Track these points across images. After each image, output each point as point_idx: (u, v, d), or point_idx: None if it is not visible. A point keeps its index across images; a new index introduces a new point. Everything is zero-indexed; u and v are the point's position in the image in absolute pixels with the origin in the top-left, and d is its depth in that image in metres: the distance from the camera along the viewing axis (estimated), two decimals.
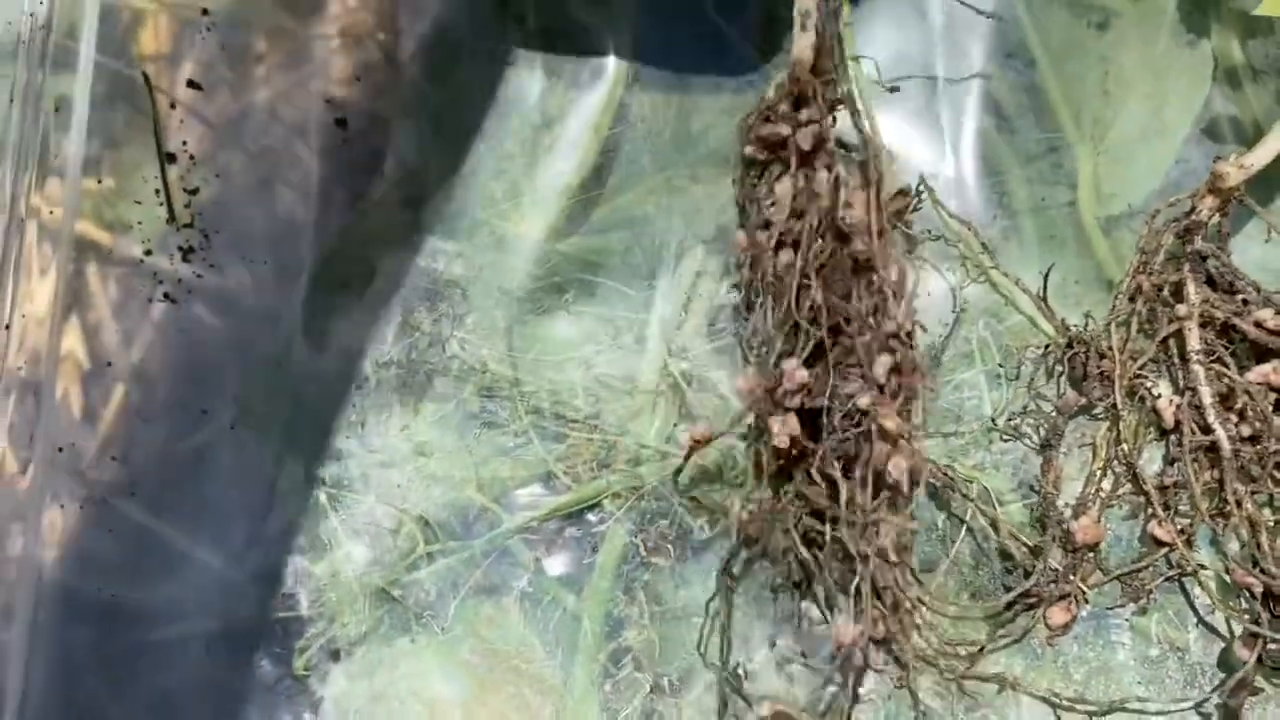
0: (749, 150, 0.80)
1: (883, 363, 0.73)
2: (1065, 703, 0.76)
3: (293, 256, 0.86)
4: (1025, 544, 0.77)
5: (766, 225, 0.79)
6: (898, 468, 0.70)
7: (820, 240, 0.76)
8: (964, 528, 0.78)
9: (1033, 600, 0.76)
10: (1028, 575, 0.76)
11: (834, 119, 0.79)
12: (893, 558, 0.72)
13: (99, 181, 0.85)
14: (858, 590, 0.72)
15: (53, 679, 0.79)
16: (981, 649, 0.75)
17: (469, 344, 0.84)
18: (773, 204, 0.78)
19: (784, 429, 0.73)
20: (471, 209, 0.87)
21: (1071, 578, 0.75)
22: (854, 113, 0.78)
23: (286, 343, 0.85)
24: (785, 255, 0.77)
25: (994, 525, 0.77)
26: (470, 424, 0.83)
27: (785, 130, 0.77)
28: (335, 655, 0.81)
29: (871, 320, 0.74)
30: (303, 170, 0.88)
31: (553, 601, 0.80)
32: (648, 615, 0.80)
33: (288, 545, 0.82)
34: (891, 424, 0.71)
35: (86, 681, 0.80)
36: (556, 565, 0.81)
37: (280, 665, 0.81)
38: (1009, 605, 0.76)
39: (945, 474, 0.78)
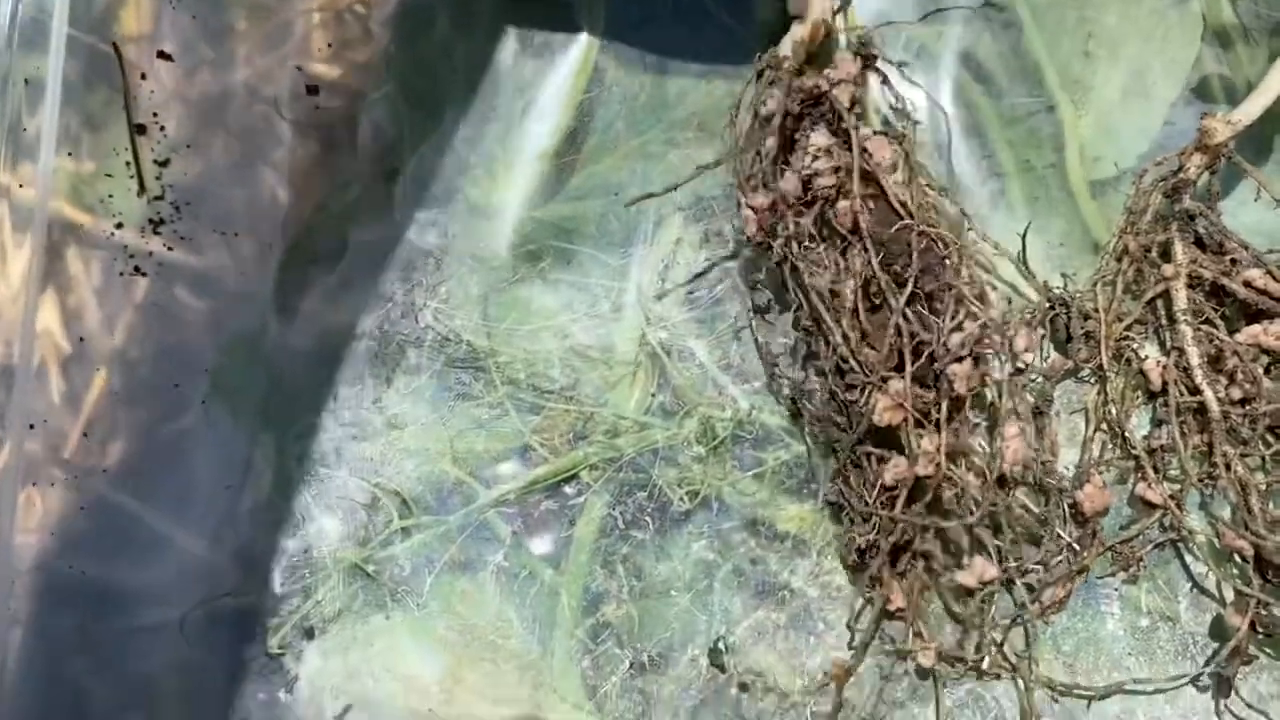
0: (786, 104, 0.77)
1: (969, 329, 0.72)
2: (1062, 687, 0.74)
3: (265, 228, 0.85)
4: (1034, 514, 0.75)
5: (805, 183, 0.77)
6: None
7: (867, 191, 0.75)
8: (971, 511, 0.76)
9: (1037, 574, 0.74)
10: (1037, 545, 0.74)
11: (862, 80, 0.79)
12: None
13: (74, 161, 0.84)
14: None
15: (32, 659, 0.78)
16: (1005, 634, 0.73)
17: (442, 314, 0.83)
18: (815, 157, 0.76)
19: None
20: (445, 177, 0.85)
21: (1086, 550, 0.73)
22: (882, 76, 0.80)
23: (259, 316, 0.84)
24: (842, 204, 0.76)
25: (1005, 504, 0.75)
26: (444, 396, 0.82)
27: (824, 84, 0.76)
28: (310, 633, 0.79)
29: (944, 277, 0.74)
30: (276, 141, 0.87)
31: (530, 576, 0.79)
32: (626, 589, 0.78)
33: (261, 521, 0.81)
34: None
35: (64, 660, 0.79)
36: (533, 539, 0.80)
37: (254, 643, 0.80)
38: (1009, 583, 0.74)
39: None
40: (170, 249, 0.85)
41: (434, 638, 0.78)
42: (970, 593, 0.73)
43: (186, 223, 0.85)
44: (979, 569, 0.72)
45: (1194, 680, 0.74)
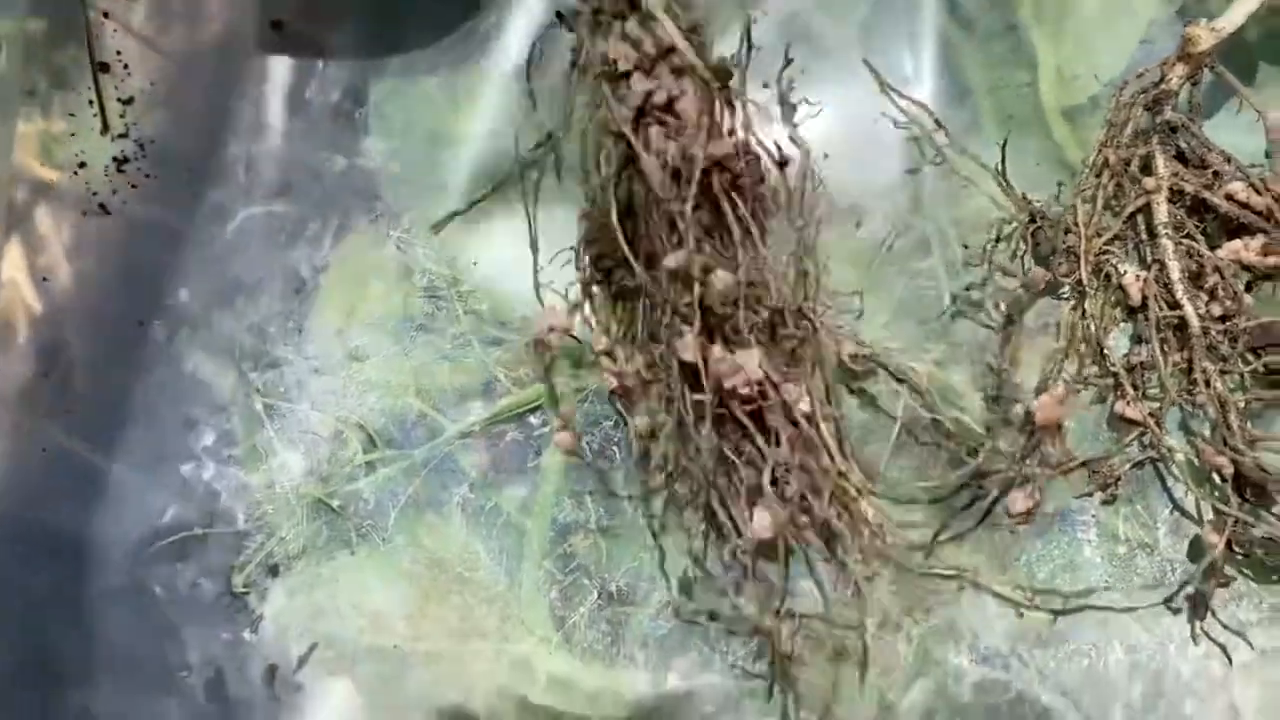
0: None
1: (722, 278, 0.70)
2: (1026, 596, 0.72)
3: (229, 160, 0.84)
4: (974, 426, 0.73)
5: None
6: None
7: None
8: (899, 417, 0.74)
9: (986, 486, 0.73)
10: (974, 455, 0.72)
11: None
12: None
13: (43, 119, 0.84)
14: (774, 480, 0.69)
15: None
16: (935, 535, 0.71)
17: (405, 244, 0.81)
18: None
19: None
20: (408, 106, 0.83)
21: (1028, 460, 0.71)
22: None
23: (223, 250, 0.83)
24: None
25: (932, 410, 0.74)
26: (406, 328, 0.80)
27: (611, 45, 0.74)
28: (274, 570, 0.78)
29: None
30: (242, 78, 0.86)
31: (496, 508, 0.77)
32: (593, 520, 0.76)
33: (223, 457, 0.80)
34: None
35: (31, 611, 0.78)
36: (499, 471, 0.78)
37: (218, 582, 0.78)
38: (959, 490, 0.73)
39: (873, 360, 0.74)
40: (135, 186, 0.84)
41: (399, 572, 0.77)
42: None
43: (151, 160, 0.84)
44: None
45: (1167, 602, 0.72)
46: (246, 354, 0.81)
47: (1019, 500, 0.72)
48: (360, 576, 0.77)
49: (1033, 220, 0.76)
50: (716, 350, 0.70)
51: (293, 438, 0.79)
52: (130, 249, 0.83)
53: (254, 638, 0.77)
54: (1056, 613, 0.72)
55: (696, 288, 0.69)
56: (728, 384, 0.69)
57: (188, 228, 0.83)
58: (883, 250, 0.79)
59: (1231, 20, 0.74)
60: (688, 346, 0.69)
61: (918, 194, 0.79)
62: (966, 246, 0.78)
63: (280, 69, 0.85)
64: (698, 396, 0.70)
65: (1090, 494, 0.74)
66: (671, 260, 0.69)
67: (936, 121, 0.79)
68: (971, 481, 0.72)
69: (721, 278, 0.69)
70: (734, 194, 0.71)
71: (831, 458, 0.70)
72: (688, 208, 0.69)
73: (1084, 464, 0.73)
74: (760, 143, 0.75)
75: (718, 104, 0.73)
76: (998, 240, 0.77)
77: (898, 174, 0.80)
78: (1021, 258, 0.77)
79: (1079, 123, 0.80)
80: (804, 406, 0.70)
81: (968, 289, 0.77)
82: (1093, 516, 0.74)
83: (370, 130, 0.83)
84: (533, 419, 0.78)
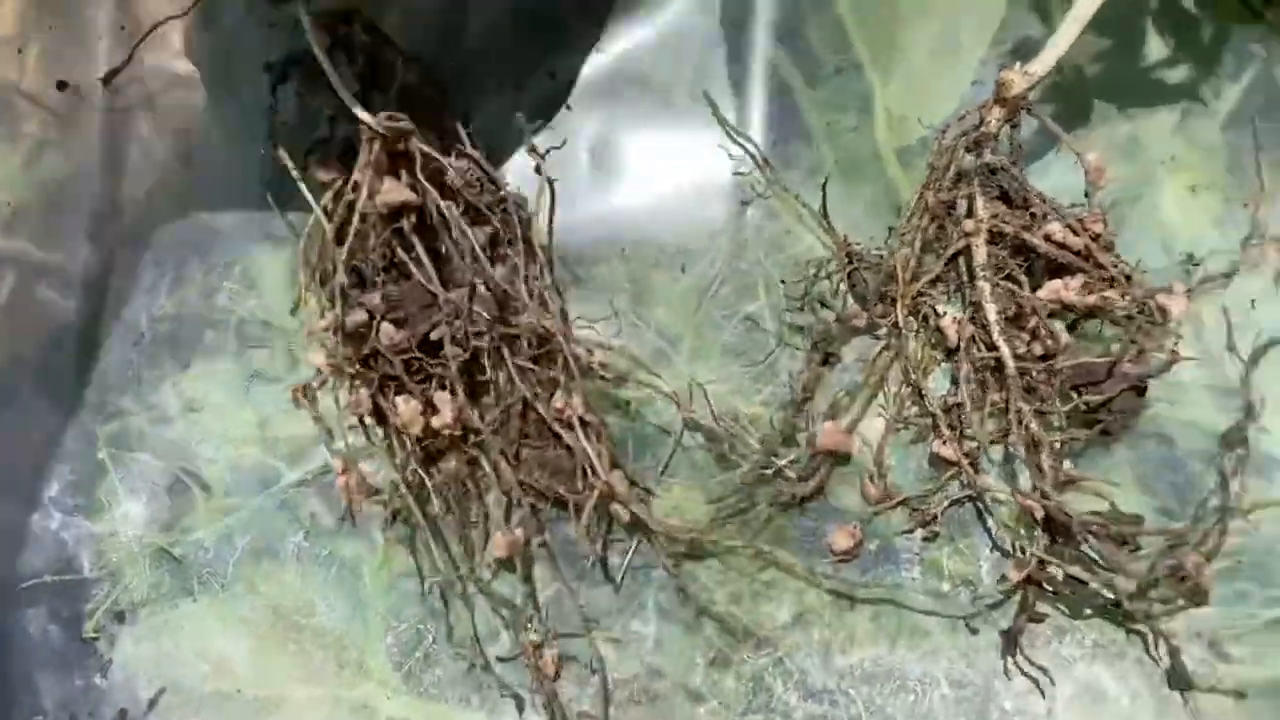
0: None
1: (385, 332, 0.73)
2: (824, 580, 0.74)
3: (74, 213, 0.84)
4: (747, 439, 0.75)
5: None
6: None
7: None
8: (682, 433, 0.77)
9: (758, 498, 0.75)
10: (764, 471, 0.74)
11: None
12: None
13: None
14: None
15: None
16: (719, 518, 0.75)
17: (237, 295, 0.82)
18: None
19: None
20: (241, 156, 0.84)
21: (807, 481, 0.74)
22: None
23: (70, 300, 0.84)
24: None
25: (690, 415, 0.75)
26: (241, 377, 0.81)
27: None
28: (121, 617, 0.79)
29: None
30: (77, 128, 0.86)
31: (330, 555, 0.78)
32: (428, 564, 0.77)
33: (69, 506, 0.80)
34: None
35: None
36: (335, 518, 0.79)
37: (68, 629, 0.79)
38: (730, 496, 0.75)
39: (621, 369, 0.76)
40: None
41: (239, 619, 0.78)
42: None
43: None
44: (499, 543, 0.74)
45: (967, 620, 0.73)
46: (89, 404, 0.81)
47: (842, 538, 0.73)
48: (203, 624, 0.78)
49: (850, 261, 0.77)
50: (399, 402, 0.73)
51: (135, 487, 0.80)
52: None
53: (105, 683, 0.78)
54: (853, 600, 0.74)
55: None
56: (422, 427, 0.73)
57: (32, 276, 0.84)
58: (709, 294, 0.79)
59: (1043, 63, 0.74)
60: (360, 401, 0.73)
61: (742, 237, 0.80)
62: (784, 282, 0.79)
63: (111, 122, 0.85)
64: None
65: (911, 531, 0.74)
66: (323, 322, 0.72)
67: (765, 159, 0.80)
68: (742, 490, 0.74)
69: (385, 331, 0.72)
70: (439, 232, 0.74)
71: (594, 464, 0.72)
72: (339, 265, 0.72)
73: (903, 502, 0.74)
74: (487, 179, 0.77)
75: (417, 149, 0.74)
76: (817, 277, 0.78)
77: (725, 218, 0.80)
78: (843, 297, 0.78)
79: (911, 164, 0.81)
80: (574, 407, 0.72)
81: (786, 315, 0.78)
82: (917, 554, 0.75)
83: (206, 183, 0.84)
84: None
